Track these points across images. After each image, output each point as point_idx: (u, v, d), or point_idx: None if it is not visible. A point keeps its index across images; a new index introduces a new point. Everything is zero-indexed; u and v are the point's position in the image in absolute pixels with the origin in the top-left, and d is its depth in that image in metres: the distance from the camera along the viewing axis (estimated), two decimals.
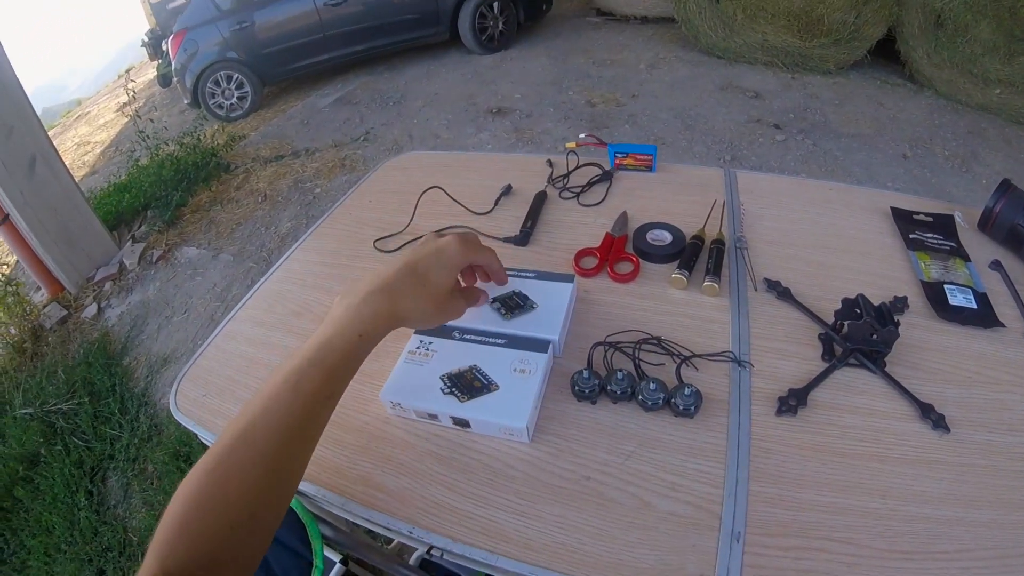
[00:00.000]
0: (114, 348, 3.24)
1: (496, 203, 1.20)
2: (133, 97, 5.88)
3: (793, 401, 0.79)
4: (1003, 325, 0.94)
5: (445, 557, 0.69)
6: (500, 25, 6.15)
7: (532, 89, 5.21)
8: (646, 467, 0.72)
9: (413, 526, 0.69)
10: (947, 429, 0.78)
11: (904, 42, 5.16)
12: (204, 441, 0.85)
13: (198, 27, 5.71)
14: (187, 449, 2.46)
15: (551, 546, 0.66)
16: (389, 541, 1.31)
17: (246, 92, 5.87)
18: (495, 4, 6.02)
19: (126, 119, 7.05)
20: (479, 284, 0.86)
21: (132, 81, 7.45)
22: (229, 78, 5.78)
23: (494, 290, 0.90)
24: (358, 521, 0.74)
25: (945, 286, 1.00)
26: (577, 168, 1.29)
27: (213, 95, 5.82)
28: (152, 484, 2.43)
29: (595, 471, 0.72)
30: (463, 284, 0.84)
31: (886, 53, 5.31)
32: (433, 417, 0.77)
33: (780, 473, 0.73)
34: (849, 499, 0.71)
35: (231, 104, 5.89)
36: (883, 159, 4.11)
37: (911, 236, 1.12)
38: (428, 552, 0.68)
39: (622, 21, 6.76)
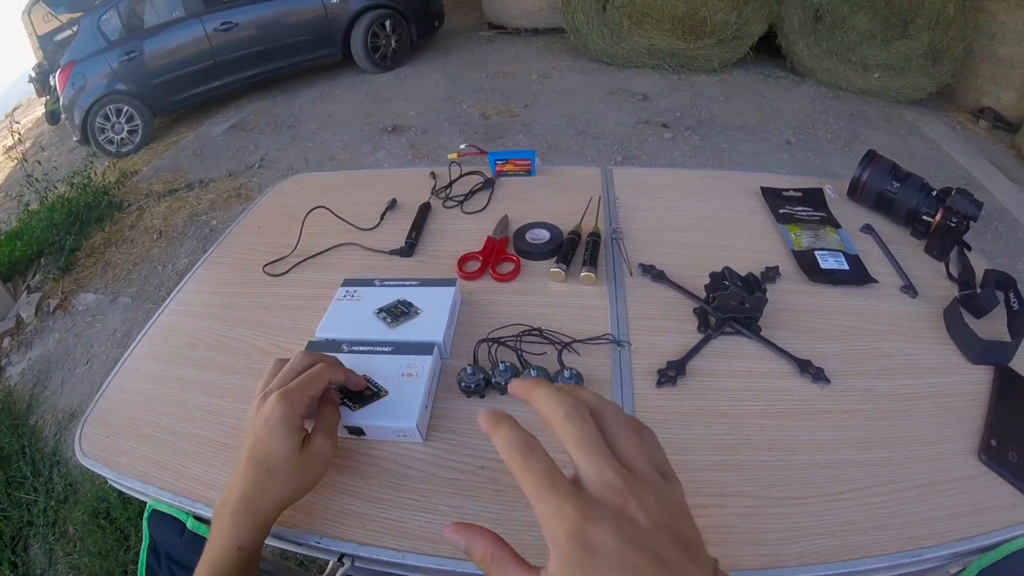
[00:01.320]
0: (19, 408, 3.06)
1: (382, 218, 1.21)
2: (19, 139, 5.58)
3: (672, 372, 0.84)
4: (876, 281, 1.03)
5: (356, 564, 0.70)
6: (393, 43, 6.16)
7: (427, 105, 5.24)
8: None
9: (321, 536, 0.69)
10: (827, 380, 0.84)
11: (785, 37, 5.46)
12: (115, 485, 0.84)
13: (86, 59, 5.42)
14: (105, 505, 2.35)
15: None
16: (322, 569, 1.30)
17: (136, 125, 5.64)
18: (387, 22, 6.02)
19: (14, 162, 6.71)
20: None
21: (16, 122, 7.03)
22: (119, 111, 5.53)
23: (379, 301, 0.92)
24: (268, 541, 0.74)
25: (816, 252, 1.08)
26: (460, 178, 1.33)
27: (103, 130, 5.55)
28: (75, 546, 2.31)
29: (489, 460, 0.74)
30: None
31: (768, 49, 5.61)
32: None
33: (666, 439, 0.73)
34: (738, 456, 0.75)
35: (122, 139, 5.64)
36: (768, 147, 4.33)
37: (781, 211, 1.20)
38: (339, 560, 0.69)
39: (513, 34, 6.88)
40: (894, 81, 5.28)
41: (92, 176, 4.85)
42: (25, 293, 3.90)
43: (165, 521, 0.78)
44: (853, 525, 0.69)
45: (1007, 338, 0.96)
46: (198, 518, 0.76)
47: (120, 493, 2.19)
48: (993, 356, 0.93)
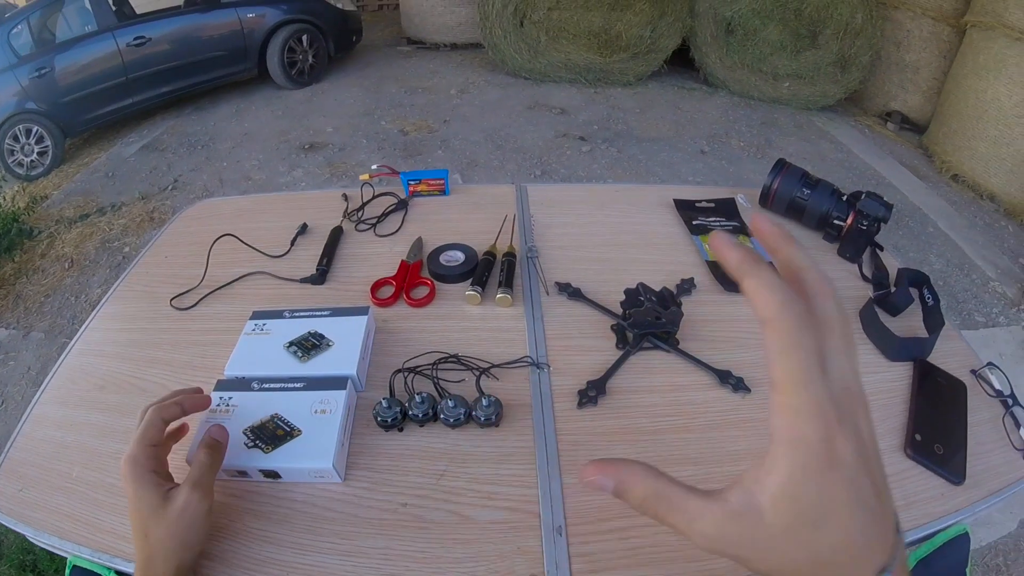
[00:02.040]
0: None
1: (292, 243, 1.16)
2: None
3: (592, 392, 0.83)
4: None
5: None
6: (310, 58, 6.05)
7: (345, 121, 5.16)
8: (460, 483, 0.73)
9: None
10: (748, 389, 0.86)
11: (698, 50, 5.65)
12: (33, 541, 0.77)
13: None
14: (32, 557, 2.19)
15: None
16: None
17: (47, 147, 5.31)
18: (304, 37, 5.91)
19: None
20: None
21: None
22: (28, 132, 5.20)
23: (290, 334, 0.88)
24: None
25: None
26: (373, 199, 1.29)
27: (12, 152, 5.19)
28: None
29: (411, 496, 0.72)
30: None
31: (682, 61, 5.78)
32: (243, 474, 0.74)
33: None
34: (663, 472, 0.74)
35: (31, 161, 5.30)
36: (683, 157, 4.44)
37: (694, 222, 1.22)
38: None
39: (432, 49, 6.86)
40: (804, 89, 5.52)
41: (1, 202, 4.57)
42: None
43: None
44: None
45: (924, 334, 1.00)
46: (120, 573, 0.70)
47: None
48: (911, 352, 0.96)
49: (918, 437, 0.79)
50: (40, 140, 5.27)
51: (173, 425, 0.70)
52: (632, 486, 0.40)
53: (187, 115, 5.83)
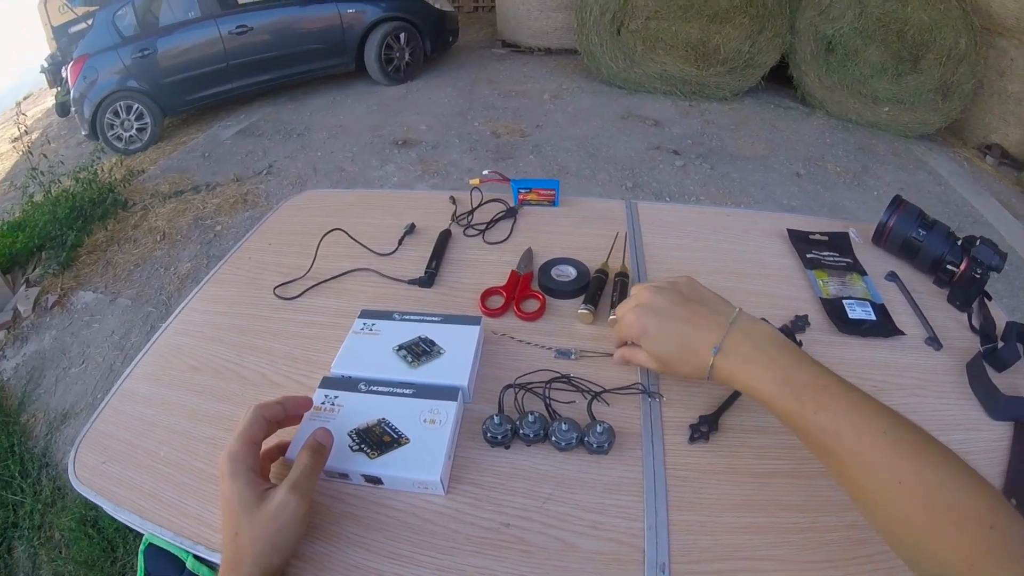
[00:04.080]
0: (11, 404, 3.01)
1: (400, 243, 1.17)
2: (25, 131, 5.53)
3: (704, 427, 0.80)
4: (903, 333, 0.99)
5: None
6: (406, 56, 6.16)
7: (438, 120, 5.23)
8: (565, 508, 0.71)
9: None
10: None
11: (796, 67, 5.51)
12: (112, 515, 0.79)
13: (99, 54, 5.40)
14: (94, 513, 2.29)
15: None
16: None
17: (146, 123, 5.60)
18: (401, 35, 6.03)
19: (19, 154, 6.65)
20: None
21: (22, 114, 6.95)
22: (129, 108, 5.49)
23: (399, 337, 0.88)
24: None
25: (844, 301, 1.05)
26: (481, 205, 1.28)
27: (112, 126, 5.51)
28: (61, 553, 2.26)
29: (515, 517, 0.70)
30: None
31: (779, 78, 5.64)
32: (344, 476, 0.73)
33: (698, 500, 0.73)
34: (768, 517, 0.72)
35: (130, 136, 5.61)
36: (778, 178, 4.32)
37: (808, 255, 1.17)
38: None
39: (526, 53, 6.89)
40: (903, 115, 5.31)
41: (98, 172, 4.80)
42: (24, 287, 3.86)
43: (163, 557, 0.75)
44: None
45: None
46: (198, 558, 0.71)
47: None
48: (1014, 412, 0.90)
49: (1013, 501, 0.73)
50: (140, 117, 5.55)
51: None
52: (627, 353, 0.83)
53: (283, 104, 6.02)
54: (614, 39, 5.57)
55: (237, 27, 5.60)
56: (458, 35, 6.81)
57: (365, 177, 4.41)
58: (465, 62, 6.75)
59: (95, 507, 2.27)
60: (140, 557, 0.77)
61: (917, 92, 5.26)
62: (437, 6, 6.41)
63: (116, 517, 0.77)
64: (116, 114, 5.50)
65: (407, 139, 4.90)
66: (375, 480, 0.73)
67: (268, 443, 0.70)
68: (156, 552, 0.75)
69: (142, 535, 0.78)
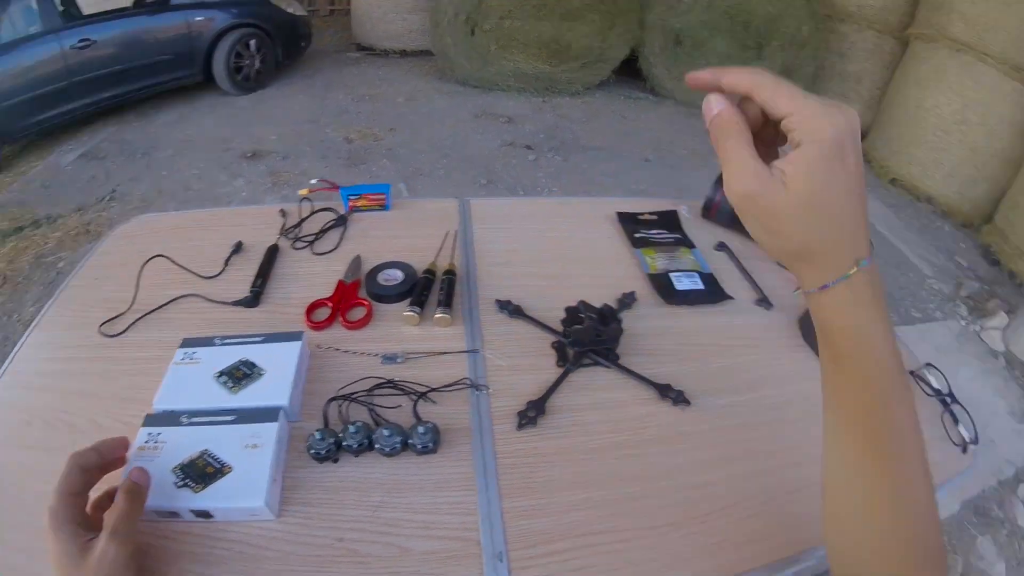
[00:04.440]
0: None
1: (226, 263, 1.11)
2: None
3: (532, 412, 0.83)
4: (731, 297, 1.07)
5: None
6: (257, 64, 5.93)
7: (289, 129, 5.06)
8: (397, 513, 0.71)
9: None
10: (687, 402, 0.86)
11: (645, 60, 5.74)
12: None
13: None
14: None
15: None
16: None
17: None
18: (252, 42, 5.80)
19: None
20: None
21: None
22: None
23: (220, 363, 0.84)
24: None
25: (671, 274, 1.11)
26: (311, 215, 1.25)
27: None
28: None
29: (348, 531, 0.69)
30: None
31: (630, 71, 5.86)
32: (174, 515, 0.70)
33: (530, 485, 0.75)
34: (605, 490, 0.75)
35: None
36: (628, 165, 4.50)
37: (636, 235, 1.23)
38: None
39: (381, 56, 6.80)
40: None
41: None
42: None
43: None
44: (727, 541, 0.71)
45: None
46: None
47: None
48: None
49: None
50: None
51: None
52: (728, 114, 0.49)
53: (129, 122, 5.65)
54: (468, 39, 5.59)
55: (80, 41, 5.17)
56: (311, 40, 6.61)
57: (213, 194, 4.21)
58: (319, 67, 6.57)
59: None
60: None
61: None
62: (289, 10, 6.20)
63: None
64: None
65: (257, 151, 4.72)
66: (205, 514, 0.70)
67: (99, 490, 0.66)
68: None
69: None
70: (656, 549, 0.69)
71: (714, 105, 0.49)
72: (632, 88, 5.97)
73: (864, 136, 5.28)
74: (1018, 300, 3.61)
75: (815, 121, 0.44)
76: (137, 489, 0.65)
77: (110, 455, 0.68)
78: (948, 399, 0.97)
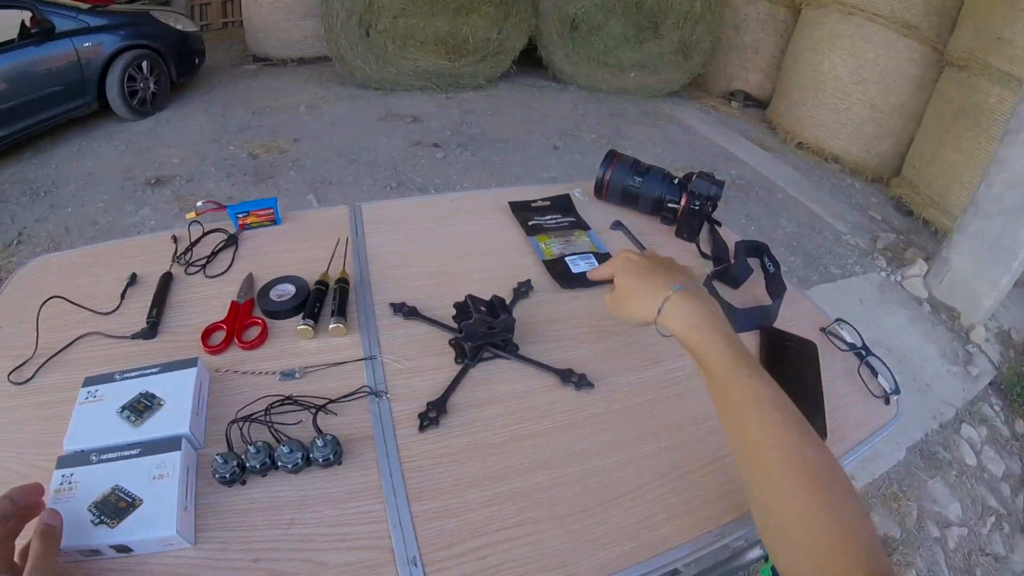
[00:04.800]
0: None
1: (123, 296, 1.09)
2: None
3: (433, 413, 0.84)
4: None
5: None
6: (151, 85, 5.72)
7: (191, 150, 4.91)
8: (309, 529, 0.72)
9: None
10: (591, 385, 0.89)
11: (544, 48, 5.82)
12: None
13: None
14: None
15: None
16: None
17: None
18: (144, 64, 5.59)
19: None
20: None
21: None
22: None
23: (122, 397, 0.83)
24: None
25: (567, 258, 1.14)
26: (202, 238, 1.23)
27: None
28: None
29: (263, 551, 0.70)
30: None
31: (531, 60, 5.93)
32: (96, 552, 0.70)
33: (438, 486, 0.76)
34: (514, 483, 0.76)
35: None
36: (537, 154, 4.57)
37: (530, 223, 1.25)
38: None
39: (279, 65, 6.66)
40: (649, 78, 5.80)
41: None
42: None
43: None
44: (646, 521, 0.73)
45: (768, 302, 1.06)
46: None
47: None
48: (754, 321, 1.02)
49: None
50: None
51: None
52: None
53: (27, 160, 5.36)
54: (364, 41, 5.54)
55: None
56: (205, 55, 6.41)
57: (120, 226, 4.06)
58: (216, 83, 6.39)
59: None
60: None
61: (659, 55, 5.78)
62: (179, 27, 5.99)
63: None
64: None
65: (160, 176, 4.57)
66: (124, 548, 0.70)
67: (25, 537, 0.66)
68: None
69: None
70: (573, 536, 0.71)
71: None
72: (535, 77, 6.04)
73: (767, 105, 5.48)
74: (934, 247, 3.76)
75: (613, 264, 0.89)
76: (50, 531, 0.65)
77: (23, 501, 0.67)
78: (863, 352, 1.01)
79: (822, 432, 0.86)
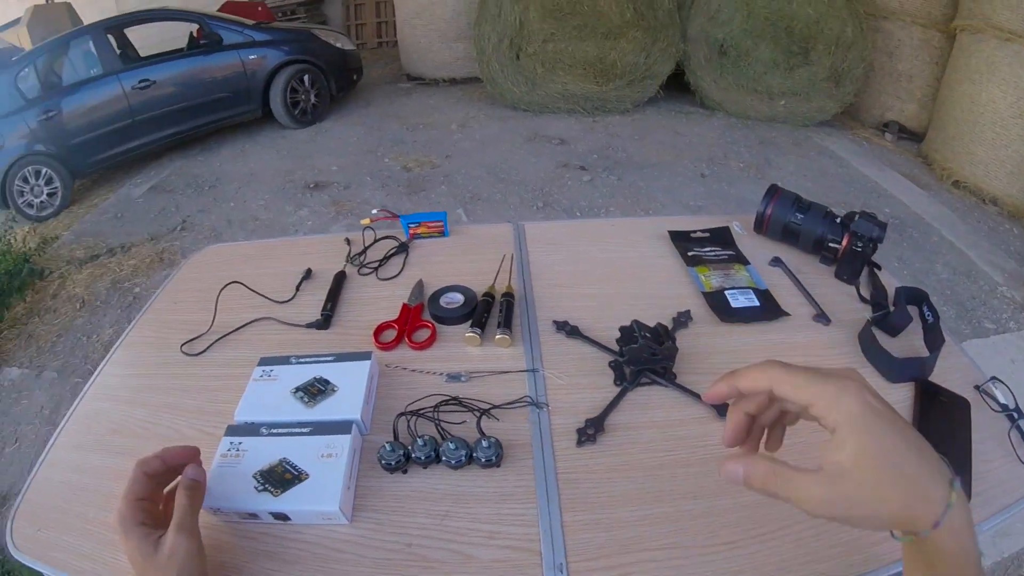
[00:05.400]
0: None
1: (298, 289, 1.19)
2: None
3: (591, 430, 0.85)
4: (787, 314, 1.06)
5: None
6: (312, 98, 6.12)
7: (349, 160, 5.20)
8: (463, 522, 0.75)
9: None
10: None
11: (692, 73, 5.72)
12: None
13: (3, 118, 5.07)
14: None
15: None
16: None
17: (56, 188, 5.30)
18: (305, 77, 5.99)
19: None
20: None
21: None
22: (38, 173, 5.21)
23: (296, 380, 0.91)
24: None
25: (726, 292, 1.11)
26: (374, 243, 1.32)
27: (22, 193, 5.21)
28: None
29: (416, 537, 0.73)
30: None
31: (678, 85, 5.86)
32: (254, 516, 0.76)
33: (590, 499, 0.78)
34: (663, 507, 0.76)
35: (41, 202, 5.30)
36: (683, 181, 4.47)
37: (689, 253, 1.24)
38: None
39: (432, 85, 6.93)
40: (800, 106, 5.58)
41: (12, 242, 4.60)
42: None
43: None
44: (788, 562, 0.71)
45: (925, 353, 1.00)
46: None
47: None
48: (911, 372, 0.96)
49: None
50: (49, 181, 5.27)
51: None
52: (755, 470, 0.52)
53: (194, 156, 5.89)
54: (514, 64, 5.68)
55: (140, 81, 5.44)
56: (362, 72, 6.80)
57: (280, 224, 4.36)
58: (372, 99, 6.74)
59: None
60: None
61: (810, 82, 5.54)
62: (338, 45, 6.39)
63: None
64: (25, 180, 5.21)
65: (319, 181, 4.87)
66: (282, 516, 0.75)
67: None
68: None
69: None
70: (714, 566, 0.70)
71: (738, 474, 0.54)
72: (682, 102, 5.95)
73: (922, 138, 5.14)
74: None
75: (836, 403, 0.50)
76: (195, 485, 0.71)
77: (174, 461, 0.73)
78: (1015, 414, 0.94)
79: (968, 493, 0.81)
